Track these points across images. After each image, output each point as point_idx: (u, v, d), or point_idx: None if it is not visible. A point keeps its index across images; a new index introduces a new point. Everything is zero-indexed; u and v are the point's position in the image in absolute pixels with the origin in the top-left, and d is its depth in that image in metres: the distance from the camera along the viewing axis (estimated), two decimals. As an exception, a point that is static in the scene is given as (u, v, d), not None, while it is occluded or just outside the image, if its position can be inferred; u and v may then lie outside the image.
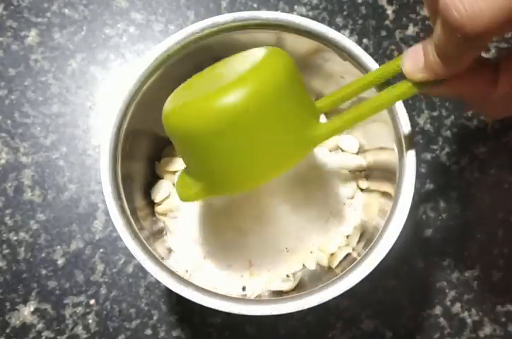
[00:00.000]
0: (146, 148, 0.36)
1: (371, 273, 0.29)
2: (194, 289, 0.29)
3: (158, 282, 0.41)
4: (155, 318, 0.41)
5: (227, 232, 0.34)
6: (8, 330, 0.41)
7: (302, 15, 0.37)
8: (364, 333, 0.42)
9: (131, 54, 0.45)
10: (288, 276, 0.36)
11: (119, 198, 0.30)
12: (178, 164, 0.37)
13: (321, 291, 0.29)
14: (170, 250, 0.37)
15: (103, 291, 0.41)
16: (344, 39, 0.31)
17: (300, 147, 0.25)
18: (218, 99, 0.23)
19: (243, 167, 0.24)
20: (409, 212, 0.29)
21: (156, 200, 0.37)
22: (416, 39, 0.46)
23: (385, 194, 0.34)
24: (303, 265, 0.36)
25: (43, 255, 0.42)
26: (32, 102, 0.44)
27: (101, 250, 0.42)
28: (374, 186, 0.37)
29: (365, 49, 0.46)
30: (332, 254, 0.36)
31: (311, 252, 0.36)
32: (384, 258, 0.29)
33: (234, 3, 0.46)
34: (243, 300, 0.30)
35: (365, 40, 0.46)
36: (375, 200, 0.36)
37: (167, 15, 0.46)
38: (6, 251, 0.42)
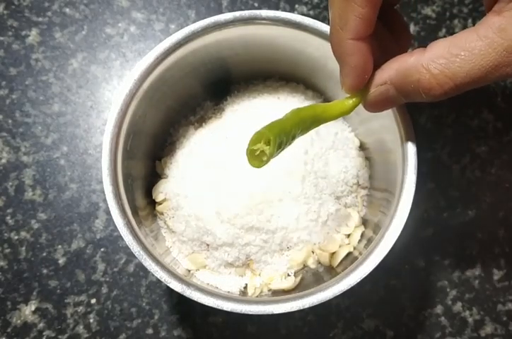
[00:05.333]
0: (146, 148, 0.36)
1: (372, 272, 0.29)
2: (195, 289, 0.29)
3: (159, 281, 0.41)
4: (156, 317, 0.41)
5: (228, 230, 0.34)
6: (9, 330, 0.41)
7: (303, 14, 0.37)
8: (365, 332, 0.42)
9: (132, 54, 0.45)
10: (289, 275, 0.36)
11: (120, 197, 0.30)
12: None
13: (322, 290, 0.29)
14: (170, 249, 0.37)
15: (104, 290, 0.41)
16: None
17: None
18: None
19: None
20: (410, 211, 0.29)
21: (157, 200, 0.37)
22: (418, 38, 0.46)
23: (386, 193, 0.34)
24: (304, 264, 0.36)
25: (44, 254, 0.42)
26: (33, 101, 0.44)
27: (102, 249, 0.42)
28: (375, 185, 0.37)
29: (366, 48, 0.45)
30: (333, 253, 0.36)
31: (312, 251, 0.36)
32: (385, 257, 0.29)
33: (235, 2, 0.46)
34: (244, 299, 0.30)
35: (366, 39, 0.46)
36: (376, 199, 0.36)
37: (168, 15, 0.46)
38: (7, 251, 0.42)
